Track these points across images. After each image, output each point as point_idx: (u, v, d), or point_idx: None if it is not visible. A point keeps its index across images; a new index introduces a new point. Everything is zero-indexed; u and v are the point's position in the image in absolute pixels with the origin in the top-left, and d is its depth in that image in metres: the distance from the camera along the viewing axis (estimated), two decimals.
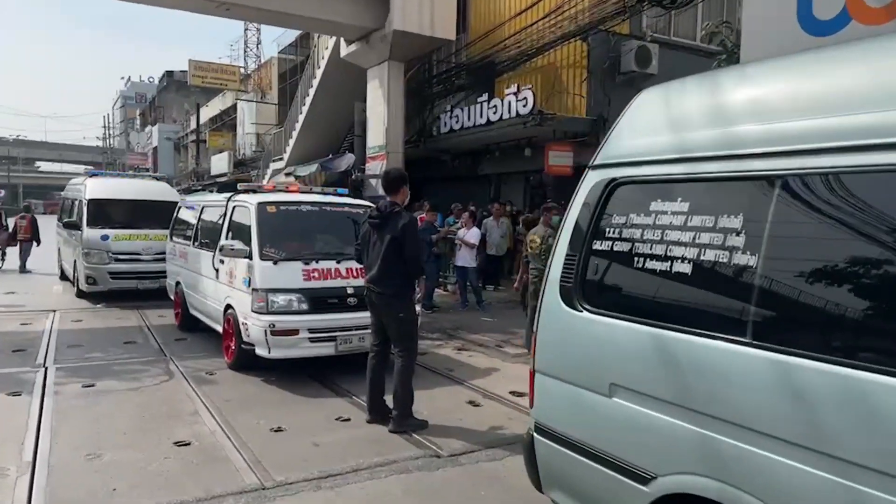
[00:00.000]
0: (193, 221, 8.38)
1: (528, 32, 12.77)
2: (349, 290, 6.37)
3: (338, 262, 6.45)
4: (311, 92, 17.45)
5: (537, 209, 14.84)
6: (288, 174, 17.41)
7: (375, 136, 14.68)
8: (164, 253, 9.74)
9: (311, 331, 6.15)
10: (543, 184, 16.14)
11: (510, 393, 5.99)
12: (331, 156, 16.94)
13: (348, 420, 5.18)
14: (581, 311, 2.70)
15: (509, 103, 12.44)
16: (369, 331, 5.64)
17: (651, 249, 2.48)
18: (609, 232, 2.69)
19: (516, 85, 12.41)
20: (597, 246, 2.72)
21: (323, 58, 16.74)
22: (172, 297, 8.99)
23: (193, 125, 36.99)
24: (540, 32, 12.54)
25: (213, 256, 7.12)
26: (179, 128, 46.81)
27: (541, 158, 13.00)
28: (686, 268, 2.33)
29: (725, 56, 8.42)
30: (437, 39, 13.75)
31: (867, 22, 6.78)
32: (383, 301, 4.84)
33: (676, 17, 12.96)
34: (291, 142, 19.12)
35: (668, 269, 2.39)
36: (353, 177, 14.88)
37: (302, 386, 6.12)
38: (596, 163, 2.89)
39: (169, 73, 53.13)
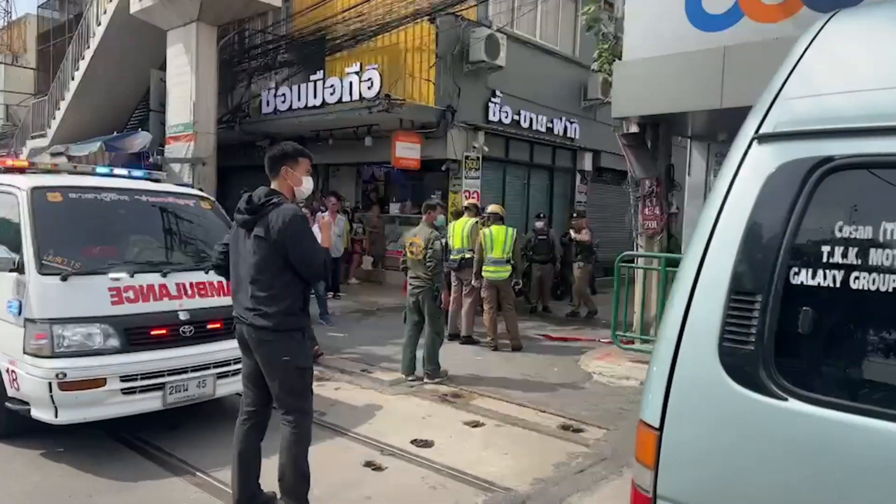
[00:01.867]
0: None
1: (370, 6, 11.33)
2: (182, 316, 4.50)
3: (163, 276, 4.52)
4: (88, 55, 14.09)
5: (375, 205, 13.60)
6: (56, 153, 13.85)
7: (179, 112, 12.15)
8: None
9: (126, 378, 4.17)
10: (375, 178, 14.88)
11: (412, 443, 4.62)
12: (117, 133, 13.82)
13: None
14: (780, 399, 1.49)
15: (350, 84, 10.93)
16: (211, 371, 4.51)
17: None
18: (830, 252, 1.50)
19: (359, 63, 10.92)
20: (803, 279, 1.52)
21: (105, 12, 13.55)
22: None
23: None
24: (383, 7, 11.20)
25: None
26: None
27: (383, 149, 11.70)
28: None
29: (608, 46, 7.88)
30: (260, 3, 11.73)
31: (761, 19, 6.48)
32: (259, 339, 3.19)
33: (518, 12, 12.49)
34: (59, 114, 15.37)
35: None
36: (151, 160, 12.16)
37: (112, 459, 4.13)
38: (773, 131, 1.69)
39: None
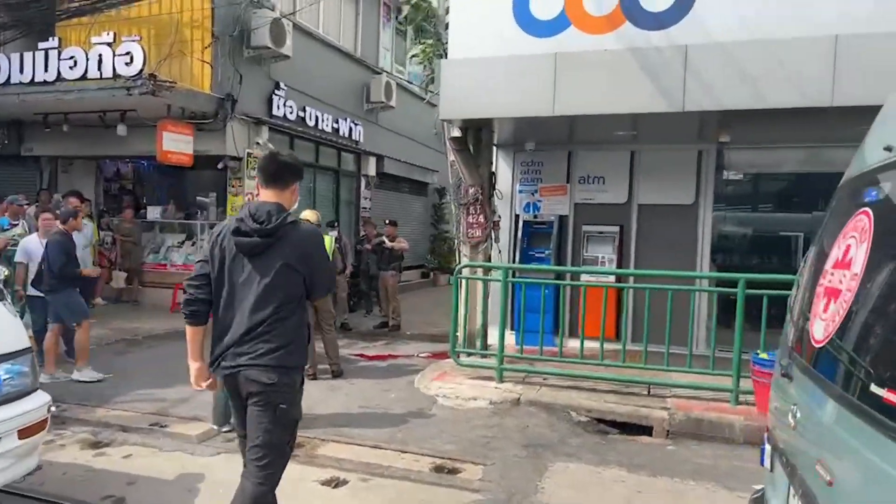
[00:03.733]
0: None
1: None
2: None
3: None
4: None
5: (128, 209, 11.23)
6: None
7: None
8: None
9: None
10: (121, 175, 12.44)
11: None
12: None
13: None
14: None
15: (100, 57, 8.79)
16: None
17: None
18: None
19: (112, 33, 8.84)
20: None
21: None
22: None
23: None
24: None
25: None
26: None
27: (142, 141, 9.70)
28: None
29: (431, 42, 7.34)
30: None
31: (587, 30, 6.52)
32: (256, 382, 2.66)
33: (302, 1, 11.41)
34: None
35: None
36: None
37: None
38: None
39: None
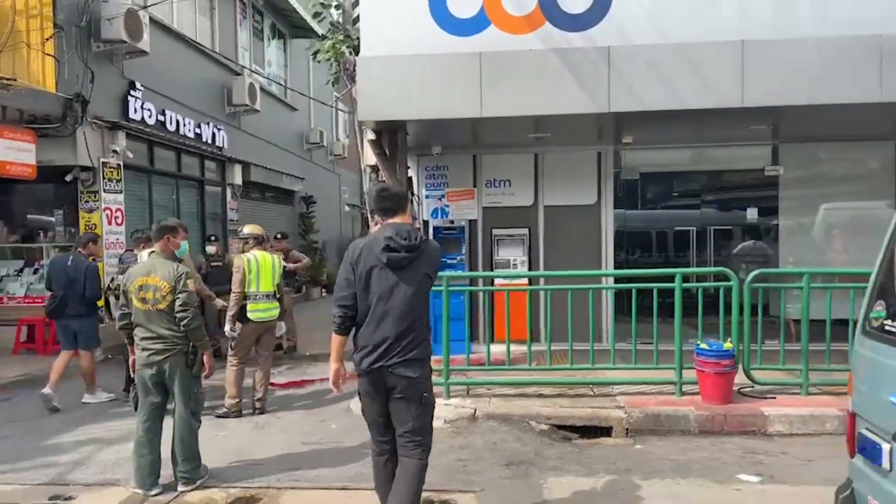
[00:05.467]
0: None
1: None
2: None
3: None
4: None
5: None
6: None
7: None
8: None
9: None
10: None
11: None
12: None
13: None
14: None
15: None
16: None
17: None
18: None
19: None
20: None
21: None
22: None
23: None
24: None
25: None
26: None
27: None
28: None
29: (339, 37, 6.76)
30: None
31: (507, 29, 6.46)
32: (404, 377, 3.09)
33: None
34: None
35: None
36: None
37: None
38: None
39: None
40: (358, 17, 6.59)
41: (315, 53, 6.86)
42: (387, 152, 6.75)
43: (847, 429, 2.71)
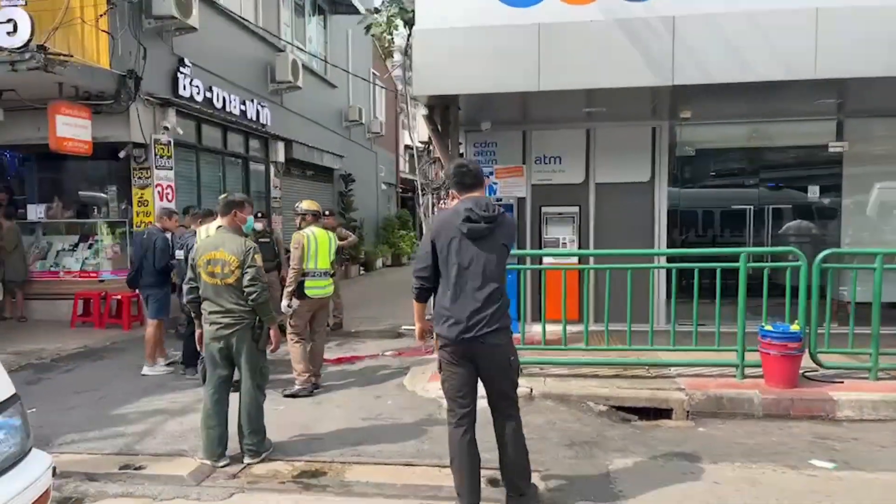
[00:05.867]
0: None
1: None
2: None
3: None
4: None
5: (1, 207, 9.43)
6: None
7: None
8: None
9: None
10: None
11: None
12: None
13: None
14: None
15: None
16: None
17: None
18: None
19: None
20: None
21: None
22: None
23: None
24: None
25: None
26: None
27: (22, 126, 8.20)
28: None
29: (397, 11, 6.65)
30: None
31: (568, 0, 6.35)
32: (494, 344, 3.26)
33: None
34: None
35: None
36: None
37: None
38: None
39: None
40: None
41: (368, 28, 6.76)
42: (439, 128, 6.66)
43: None
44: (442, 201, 6.71)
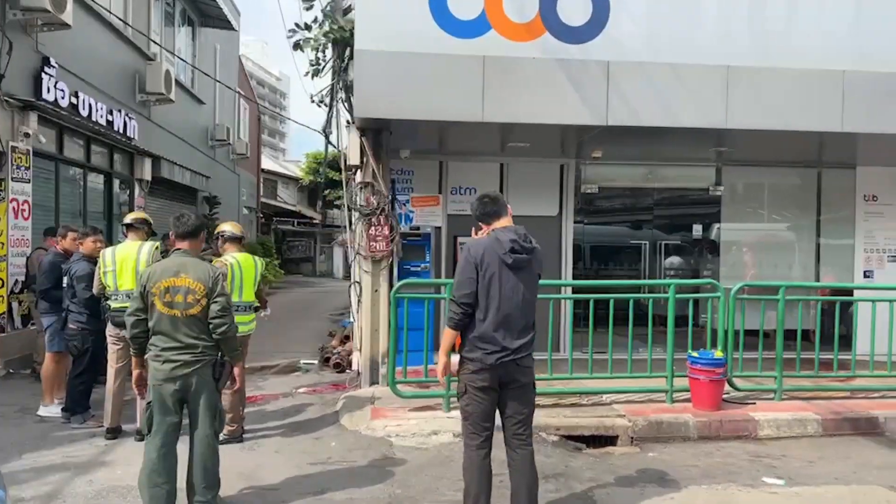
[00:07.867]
0: None
1: None
2: None
3: None
4: None
5: None
6: None
7: None
8: None
9: None
10: None
11: None
12: None
13: None
14: None
15: None
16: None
17: None
18: None
19: None
20: None
21: None
22: None
23: None
24: None
25: None
26: None
27: None
28: None
29: (337, 28, 6.30)
30: None
31: (509, 36, 6.47)
32: (525, 367, 3.41)
33: None
34: None
35: None
36: None
37: None
38: None
39: None
40: (350, 7, 6.20)
41: (296, 44, 6.35)
42: (370, 153, 6.42)
43: None
44: (373, 227, 6.42)
